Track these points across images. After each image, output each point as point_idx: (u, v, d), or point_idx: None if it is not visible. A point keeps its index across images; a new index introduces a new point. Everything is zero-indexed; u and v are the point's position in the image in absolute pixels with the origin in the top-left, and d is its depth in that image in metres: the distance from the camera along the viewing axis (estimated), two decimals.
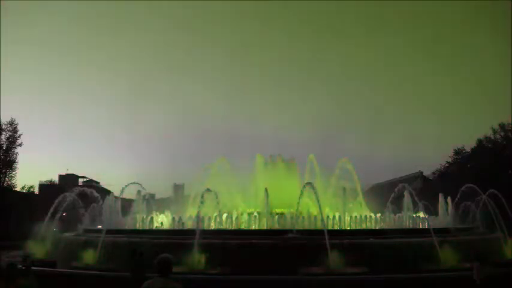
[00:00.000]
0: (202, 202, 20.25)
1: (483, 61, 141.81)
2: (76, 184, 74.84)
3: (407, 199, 25.98)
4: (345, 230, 21.81)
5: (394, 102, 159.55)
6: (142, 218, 24.88)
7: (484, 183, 27.64)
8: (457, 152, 55.82)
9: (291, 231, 19.25)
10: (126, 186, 24.72)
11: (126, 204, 31.54)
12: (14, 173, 53.54)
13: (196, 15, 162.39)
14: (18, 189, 57.13)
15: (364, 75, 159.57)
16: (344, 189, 28.93)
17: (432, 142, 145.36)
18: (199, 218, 19.70)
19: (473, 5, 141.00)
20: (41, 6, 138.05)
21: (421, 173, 69.19)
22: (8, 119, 52.58)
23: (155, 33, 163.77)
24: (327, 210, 23.52)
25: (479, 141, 52.65)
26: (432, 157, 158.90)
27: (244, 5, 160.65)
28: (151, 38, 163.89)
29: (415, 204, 24.99)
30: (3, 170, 52.08)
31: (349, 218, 23.38)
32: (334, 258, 15.70)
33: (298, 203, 20.36)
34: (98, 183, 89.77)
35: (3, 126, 51.95)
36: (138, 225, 24.45)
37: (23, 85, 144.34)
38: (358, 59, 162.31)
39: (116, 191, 32.94)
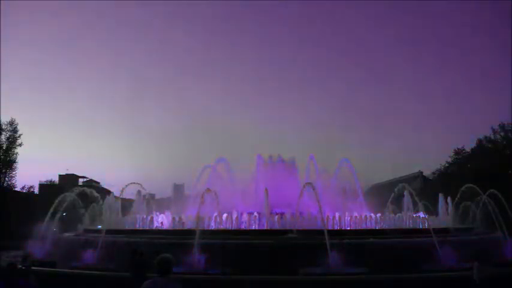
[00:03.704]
0: (202, 202, 20.25)
1: (483, 61, 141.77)
2: (76, 184, 74.78)
3: (407, 199, 25.99)
4: (345, 230, 21.81)
5: (394, 102, 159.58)
6: (143, 218, 24.88)
7: (484, 183, 27.67)
8: (457, 152, 55.90)
9: (291, 231, 19.26)
10: (126, 186, 24.76)
11: (126, 204, 31.54)
12: (14, 173, 53.69)
13: (197, 15, 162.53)
14: (18, 189, 57.22)
15: (364, 74, 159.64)
16: (344, 189, 28.95)
17: (432, 142, 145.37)
18: (199, 218, 19.70)
19: (473, 5, 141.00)
20: (41, 6, 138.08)
21: (421, 173, 69.27)
22: (8, 119, 52.81)
23: (155, 33, 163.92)
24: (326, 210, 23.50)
25: (479, 141, 52.73)
26: (432, 157, 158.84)
27: (245, 5, 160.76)
28: (151, 37, 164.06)
29: (415, 204, 24.99)
30: (3, 170, 52.13)
31: (349, 218, 23.37)
32: (334, 258, 15.71)
33: (298, 203, 20.38)
34: (98, 183, 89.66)
35: (3, 126, 52.03)
36: (138, 225, 24.44)
37: (23, 85, 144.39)
38: (358, 59, 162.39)
39: (116, 191, 32.89)
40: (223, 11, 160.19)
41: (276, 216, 22.32)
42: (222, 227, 21.94)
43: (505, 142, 50.07)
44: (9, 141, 51.97)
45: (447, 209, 26.66)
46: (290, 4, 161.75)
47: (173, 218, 24.16)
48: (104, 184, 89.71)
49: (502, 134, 50.90)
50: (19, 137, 52.93)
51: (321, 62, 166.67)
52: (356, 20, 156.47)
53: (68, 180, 79.65)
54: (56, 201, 24.32)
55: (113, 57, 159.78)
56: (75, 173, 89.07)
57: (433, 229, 18.86)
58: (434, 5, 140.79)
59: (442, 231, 20.01)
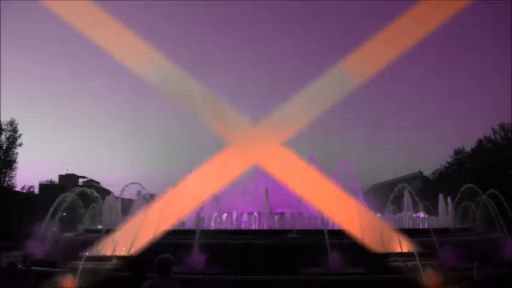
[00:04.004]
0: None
1: (483, 61, 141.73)
2: (76, 184, 74.89)
3: (407, 199, 25.98)
4: (345, 230, 21.80)
5: (394, 101, 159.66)
6: None
7: (484, 183, 27.67)
8: (457, 152, 56.01)
9: (291, 231, 19.25)
10: (126, 186, 24.76)
11: (127, 204, 31.52)
12: (14, 173, 53.83)
13: (196, 16, 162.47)
14: (18, 189, 57.33)
15: (364, 74, 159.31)
16: (344, 189, 28.91)
17: (432, 142, 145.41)
18: (199, 218, 19.69)
19: (473, 5, 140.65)
20: (41, 6, 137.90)
21: (421, 173, 69.35)
22: (8, 119, 52.94)
23: (155, 33, 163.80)
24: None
25: (479, 141, 52.84)
26: (432, 157, 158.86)
27: (245, 5, 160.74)
28: (150, 38, 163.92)
29: (415, 204, 24.99)
30: (3, 170, 52.24)
31: None
32: (334, 258, 15.71)
33: (298, 201, 20.35)
34: (98, 183, 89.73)
35: (3, 126, 52.16)
36: None
37: (23, 85, 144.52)
38: (358, 58, 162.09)
39: (116, 191, 32.94)
40: (223, 11, 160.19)
41: (276, 216, 22.32)
42: (222, 227, 21.95)
43: (504, 142, 50.18)
44: (9, 141, 52.13)
45: (447, 209, 26.64)
46: (290, 4, 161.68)
47: None
48: (104, 184, 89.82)
49: (502, 134, 51.03)
50: (19, 137, 53.19)
51: (321, 61, 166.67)
52: (355, 19, 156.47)
53: (68, 180, 79.78)
54: (56, 201, 24.34)
55: (113, 57, 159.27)
56: (75, 173, 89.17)
57: (433, 229, 18.87)
58: (433, 5, 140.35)
59: (441, 231, 20.01)
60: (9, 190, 52.87)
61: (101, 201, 27.01)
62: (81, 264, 17.23)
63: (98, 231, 22.03)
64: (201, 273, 15.31)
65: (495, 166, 44.91)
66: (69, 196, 25.49)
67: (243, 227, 22.41)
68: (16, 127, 52.81)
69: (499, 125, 50.92)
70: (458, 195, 25.46)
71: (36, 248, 20.70)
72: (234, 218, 22.76)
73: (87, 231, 24.05)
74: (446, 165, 57.05)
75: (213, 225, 21.93)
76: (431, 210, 26.94)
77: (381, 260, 15.51)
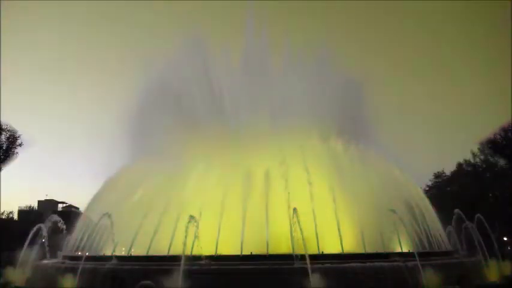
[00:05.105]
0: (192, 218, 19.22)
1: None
2: (55, 209, 73.22)
3: None
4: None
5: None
6: None
7: (465, 206, 28.18)
8: (437, 176, 56.34)
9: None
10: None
11: None
12: None
13: (196, 15, 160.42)
14: None
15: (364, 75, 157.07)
16: None
17: (412, 166, 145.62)
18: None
19: (473, 5, 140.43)
20: (41, 7, 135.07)
21: None
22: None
23: (154, 36, 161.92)
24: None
25: (459, 165, 52.99)
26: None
27: (243, 5, 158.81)
28: (151, 40, 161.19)
29: None
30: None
31: None
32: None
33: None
34: (77, 208, 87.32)
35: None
36: None
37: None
38: (357, 59, 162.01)
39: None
40: (221, 11, 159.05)
41: None
42: None
43: (484, 165, 50.01)
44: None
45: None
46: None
47: None
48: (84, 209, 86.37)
49: (481, 157, 50.39)
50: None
51: (321, 62, 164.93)
52: (355, 19, 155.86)
53: (47, 206, 77.79)
54: (31, 232, 23.55)
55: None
56: (54, 199, 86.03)
57: (418, 253, 18.90)
58: (431, 5, 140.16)
59: (423, 255, 19.80)
60: None
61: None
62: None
63: (78, 257, 21.21)
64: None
65: (475, 189, 45.59)
66: (44, 227, 24.43)
67: None
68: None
69: (478, 148, 49.82)
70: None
71: (16, 276, 20.36)
72: None
73: (67, 257, 23.29)
74: (427, 188, 55.49)
75: None
76: None
77: None
